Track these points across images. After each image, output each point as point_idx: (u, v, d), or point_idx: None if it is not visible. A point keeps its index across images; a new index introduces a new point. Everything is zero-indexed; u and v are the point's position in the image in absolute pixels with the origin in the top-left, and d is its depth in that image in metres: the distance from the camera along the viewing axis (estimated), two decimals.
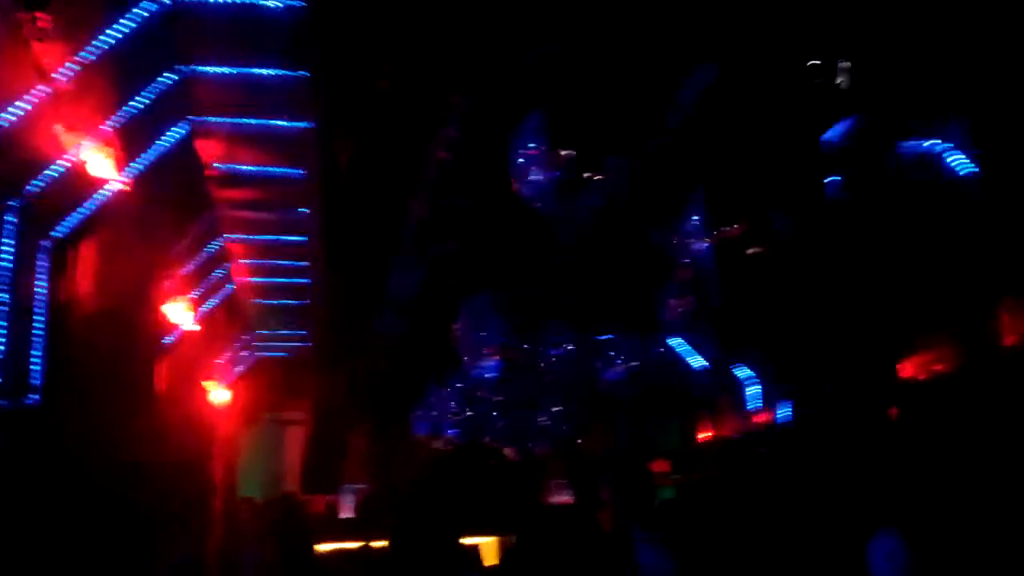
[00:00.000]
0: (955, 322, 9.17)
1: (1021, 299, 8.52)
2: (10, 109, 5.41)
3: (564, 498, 14.95)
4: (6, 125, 5.35)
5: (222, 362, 10.75)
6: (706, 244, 7.39)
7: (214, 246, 9.06)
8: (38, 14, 5.16)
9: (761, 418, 11.97)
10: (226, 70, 7.16)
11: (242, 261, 9.99)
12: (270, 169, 8.43)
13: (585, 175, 6.56)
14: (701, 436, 13.66)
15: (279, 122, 7.83)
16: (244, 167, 8.02)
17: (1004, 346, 8.65)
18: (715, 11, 6.76)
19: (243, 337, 11.24)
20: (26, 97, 5.50)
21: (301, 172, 8.39)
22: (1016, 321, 8.64)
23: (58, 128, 6.05)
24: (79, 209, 6.52)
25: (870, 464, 9.64)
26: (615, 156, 6.54)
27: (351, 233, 10.14)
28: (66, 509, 5.95)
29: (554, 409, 10.90)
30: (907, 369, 9.88)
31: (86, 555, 6.14)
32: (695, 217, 7.36)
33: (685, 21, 6.81)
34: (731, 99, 7.16)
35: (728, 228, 7.30)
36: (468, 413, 11.08)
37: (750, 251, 7.34)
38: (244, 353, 11.25)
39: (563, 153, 6.56)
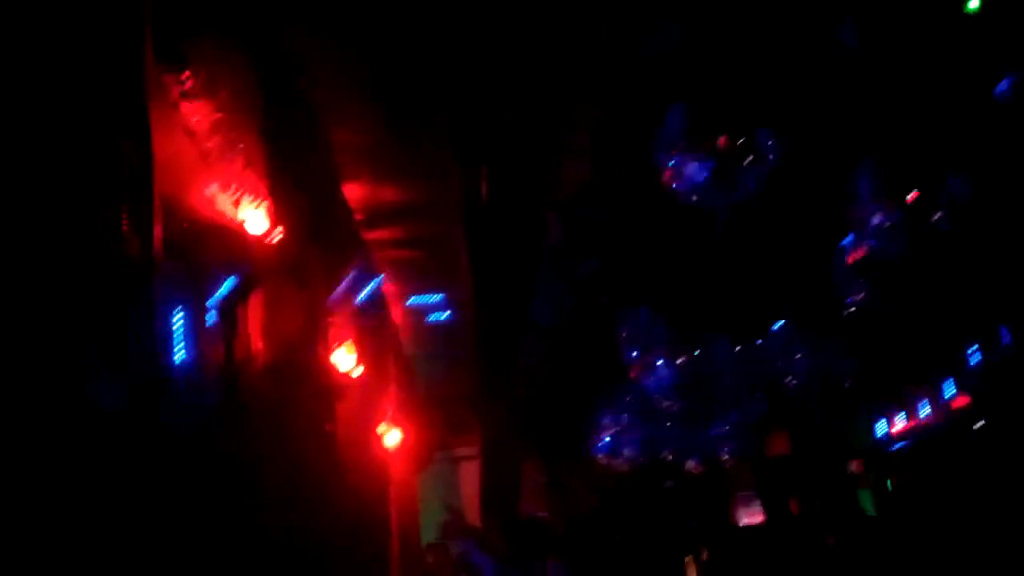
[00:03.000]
0: None
1: None
2: (167, 173, 5.51)
3: (754, 512, 14.28)
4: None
5: (391, 405, 10.80)
6: (881, 219, 6.82)
7: (371, 289, 9.13)
8: (184, 75, 5.23)
9: (960, 403, 11.09)
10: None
11: (399, 301, 10.07)
12: (414, 205, 8.48)
13: (743, 159, 6.17)
14: (894, 431, 12.81)
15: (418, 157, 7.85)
16: (389, 205, 8.09)
17: None
18: None
19: (408, 378, 11.28)
20: (180, 160, 5.61)
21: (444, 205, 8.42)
22: None
23: (212, 188, 6.15)
24: (241, 266, 6.59)
25: None
26: (769, 133, 6.12)
27: (495, 260, 10.05)
28: (246, 561, 5.93)
29: (733, 416, 10.41)
30: None
31: None
32: (866, 189, 6.82)
33: None
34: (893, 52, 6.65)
35: (904, 199, 6.72)
36: (644, 430, 10.72)
37: (931, 221, 6.72)
38: (411, 394, 11.28)
39: (715, 141, 6.19)
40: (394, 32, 6.67)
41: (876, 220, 6.69)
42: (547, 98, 7.89)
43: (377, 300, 9.32)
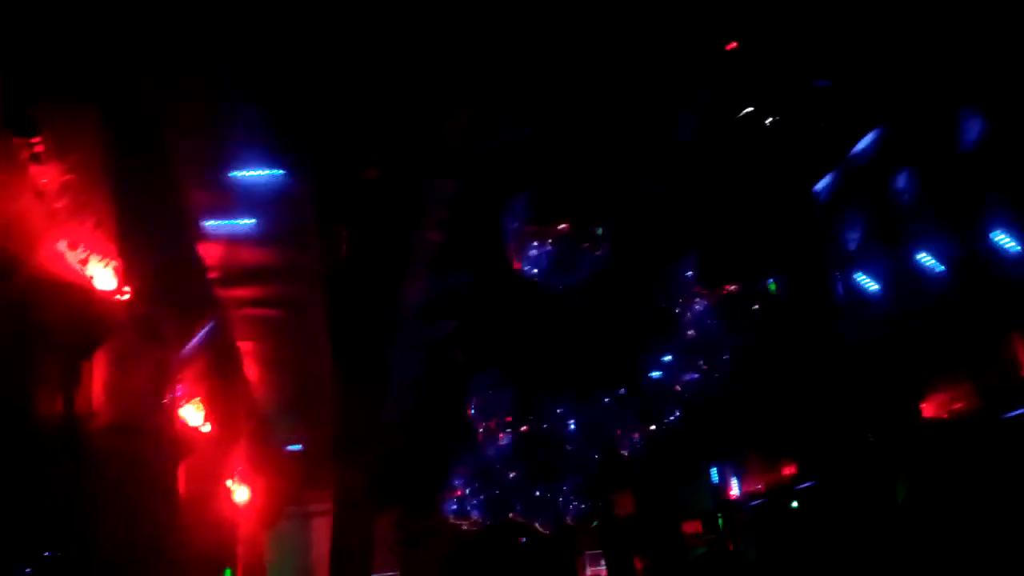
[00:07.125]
0: (971, 359, 9.07)
1: None
2: (13, 232, 5.55)
3: (599, 570, 14.72)
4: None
5: (241, 461, 10.75)
6: (705, 304, 7.39)
7: (224, 346, 9.16)
8: (32, 140, 5.34)
9: (790, 471, 11.80)
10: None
11: (253, 358, 10.08)
12: (271, 266, 8.60)
13: (582, 245, 6.63)
14: (732, 494, 13.47)
15: (277, 220, 8.01)
16: (246, 266, 8.20)
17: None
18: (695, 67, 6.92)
19: (260, 433, 11.25)
20: (27, 219, 5.66)
21: (302, 266, 8.58)
22: None
23: (61, 246, 6.19)
24: (89, 322, 6.61)
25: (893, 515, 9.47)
26: (606, 224, 6.61)
27: (354, 320, 10.21)
28: None
29: (578, 478, 10.81)
30: (928, 409, 9.75)
31: None
32: (690, 277, 7.39)
33: (665, 82, 6.99)
34: (721, 153, 7.29)
35: (726, 287, 7.31)
36: (493, 490, 10.99)
37: (752, 308, 7.33)
38: (263, 449, 11.25)
39: (557, 226, 6.63)
40: (255, 95, 6.85)
41: (699, 307, 7.24)
42: (408, 164, 8.19)
43: (231, 357, 9.36)
